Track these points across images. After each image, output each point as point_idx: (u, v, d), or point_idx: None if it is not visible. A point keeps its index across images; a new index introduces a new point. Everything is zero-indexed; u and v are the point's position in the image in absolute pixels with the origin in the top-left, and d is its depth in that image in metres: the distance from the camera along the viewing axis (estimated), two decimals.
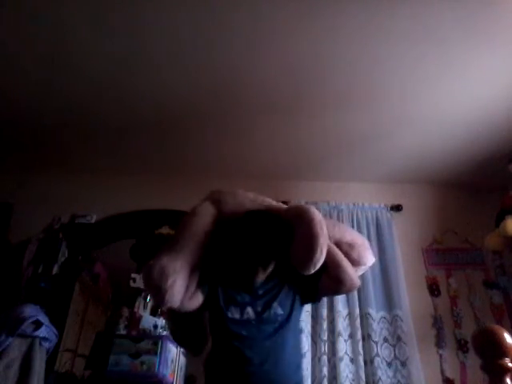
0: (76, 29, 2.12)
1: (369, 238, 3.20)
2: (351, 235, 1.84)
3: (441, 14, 2.00)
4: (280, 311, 1.61)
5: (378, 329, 2.88)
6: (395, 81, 2.42)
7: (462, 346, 2.90)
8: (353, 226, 3.25)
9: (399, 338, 2.86)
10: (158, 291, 1.45)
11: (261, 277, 1.68)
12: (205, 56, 2.28)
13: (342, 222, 3.24)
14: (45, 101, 2.68)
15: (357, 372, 2.70)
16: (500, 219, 2.82)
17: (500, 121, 2.73)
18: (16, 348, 2.21)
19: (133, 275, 2.91)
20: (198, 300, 1.59)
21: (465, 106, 2.63)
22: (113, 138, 3.07)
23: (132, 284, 2.88)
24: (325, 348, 2.76)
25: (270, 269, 1.68)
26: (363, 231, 3.22)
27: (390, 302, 2.99)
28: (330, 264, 1.63)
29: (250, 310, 1.59)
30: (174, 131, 2.99)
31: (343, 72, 2.35)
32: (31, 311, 2.38)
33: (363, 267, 1.83)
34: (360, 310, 2.92)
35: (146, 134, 3.03)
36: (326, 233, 1.58)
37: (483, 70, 2.35)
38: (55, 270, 2.91)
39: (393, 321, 2.93)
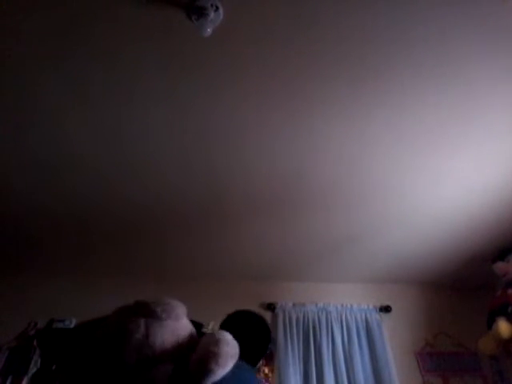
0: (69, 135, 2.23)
1: (359, 341, 3.11)
2: None
3: (413, 121, 2.17)
4: None
5: None
6: (379, 180, 2.51)
7: None
8: (342, 328, 3.19)
9: None
10: None
11: None
12: (189, 160, 2.35)
13: (331, 323, 3.17)
14: (25, 204, 2.68)
15: None
16: (491, 321, 2.78)
17: (480, 220, 2.82)
18: None
19: None
20: None
21: (446, 206, 2.71)
22: (93, 241, 3.06)
23: None
24: None
25: None
26: (353, 333, 3.14)
27: None
28: None
29: None
30: (156, 234, 3.00)
31: (328, 174, 2.45)
32: None
33: None
34: None
35: (128, 237, 3.03)
36: None
37: (459, 174, 2.48)
38: (24, 382, 2.68)
39: None
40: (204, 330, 3.02)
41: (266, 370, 2.90)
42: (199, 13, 1.54)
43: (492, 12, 1.62)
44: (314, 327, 3.18)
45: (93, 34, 1.68)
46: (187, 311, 2.69)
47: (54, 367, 2.83)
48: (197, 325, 2.96)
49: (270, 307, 3.32)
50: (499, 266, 2.94)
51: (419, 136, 2.19)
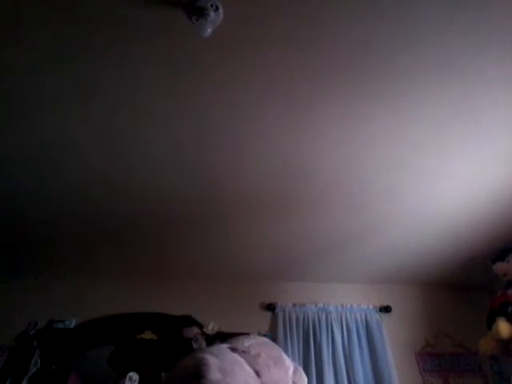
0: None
1: (359, 341, 3.11)
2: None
3: (413, 121, 2.13)
4: None
5: None
6: (378, 180, 2.51)
7: None
8: (342, 328, 3.19)
9: None
10: None
11: None
12: (189, 161, 2.35)
13: (331, 323, 3.17)
14: (26, 204, 2.68)
15: None
16: (491, 321, 2.78)
17: (480, 220, 2.81)
18: None
19: None
20: None
21: (446, 206, 2.71)
22: (95, 241, 3.06)
23: None
24: None
25: None
26: (353, 333, 3.14)
27: None
28: None
29: None
30: (156, 234, 2.99)
31: (328, 173, 2.45)
32: None
33: None
34: None
35: (128, 237, 3.03)
36: None
37: (459, 174, 2.47)
38: (24, 382, 2.68)
39: None
40: (204, 329, 3.03)
41: None
42: (199, 13, 1.54)
43: (493, 13, 1.62)
44: (314, 327, 3.18)
45: (93, 33, 1.68)
46: (187, 311, 2.70)
47: (53, 367, 2.83)
48: (197, 325, 2.96)
49: (270, 307, 3.31)
50: (499, 266, 2.94)
51: (419, 136, 2.19)
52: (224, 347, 1.52)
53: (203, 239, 3.06)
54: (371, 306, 3.37)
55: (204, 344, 2.06)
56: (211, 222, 2.86)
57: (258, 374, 1.36)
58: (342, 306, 3.33)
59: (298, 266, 3.37)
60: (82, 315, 3.12)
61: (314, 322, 3.21)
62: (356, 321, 3.25)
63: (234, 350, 1.47)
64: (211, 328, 3.00)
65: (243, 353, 1.45)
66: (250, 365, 1.38)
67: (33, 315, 3.08)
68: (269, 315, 3.30)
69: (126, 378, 2.76)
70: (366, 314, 3.30)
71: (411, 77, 1.87)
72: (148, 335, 3.03)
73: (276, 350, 1.58)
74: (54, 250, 3.16)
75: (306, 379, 1.57)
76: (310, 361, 2.95)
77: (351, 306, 3.34)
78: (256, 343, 1.53)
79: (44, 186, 2.52)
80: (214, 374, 1.28)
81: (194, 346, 2.00)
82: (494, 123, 2.10)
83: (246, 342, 1.52)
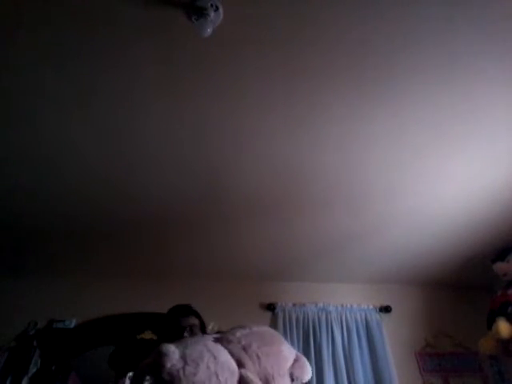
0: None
1: (359, 341, 3.11)
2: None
3: (413, 121, 2.13)
4: None
5: None
6: (379, 180, 2.50)
7: None
8: (342, 328, 3.19)
9: None
10: None
11: None
12: (189, 160, 2.35)
13: (331, 323, 3.17)
14: (26, 203, 2.68)
15: None
16: (491, 321, 2.78)
17: (480, 220, 2.81)
18: None
19: None
20: None
21: (446, 206, 2.71)
22: (95, 240, 3.06)
23: None
24: None
25: None
26: (353, 333, 3.14)
27: None
28: None
29: None
30: (156, 234, 2.99)
31: (329, 174, 2.45)
32: None
33: None
34: None
35: (128, 237, 3.02)
36: None
37: (459, 174, 2.47)
38: (24, 382, 2.68)
39: None
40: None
41: None
42: (199, 13, 1.54)
43: (493, 12, 1.62)
44: (314, 327, 3.18)
45: (93, 33, 1.68)
46: None
47: (53, 367, 2.83)
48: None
49: (270, 307, 3.31)
50: (499, 266, 2.94)
51: (419, 137, 2.19)
52: (206, 337, 1.51)
53: (203, 239, 3.06)
54: (371, 306, 3.37)
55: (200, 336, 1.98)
56: (211, 222, 2.86)
57: (240, 364, 1.34)
58: (342, 306, 3.33)
59: (298, 265, 3.37)
60: (81, 315, 3.12)
61: (313, 322, 3.21)
62: (356, 321, 3.25)
63: (217, 340, 1.46)
64: (211, 328, 2.99)
65: (229, 343, 1.43)
66: (233, 355, 1.37)
67: (33, 315, 3.08)
68: (269, 315, 3.30)
69: (126, 377, 2.76)
70: (365, 314, 3.30)
71: (411, 77, 1.87)
72: (148, 335, 3.03)
73: (274, 341, 1.55)
74: (53, 250, 3.15)
75: (308, 369, 1.54)
76: (310, 361, 2.92)
77: (351, 306, 3.34)
78: (250, 333, 1.51)
79: (43, 186, 2.52)
80: (172, 362, 1.28)
81: (186, 335, 1.89)
82: (494, 123, 2.10)
83: (238, 333, 1.50)
